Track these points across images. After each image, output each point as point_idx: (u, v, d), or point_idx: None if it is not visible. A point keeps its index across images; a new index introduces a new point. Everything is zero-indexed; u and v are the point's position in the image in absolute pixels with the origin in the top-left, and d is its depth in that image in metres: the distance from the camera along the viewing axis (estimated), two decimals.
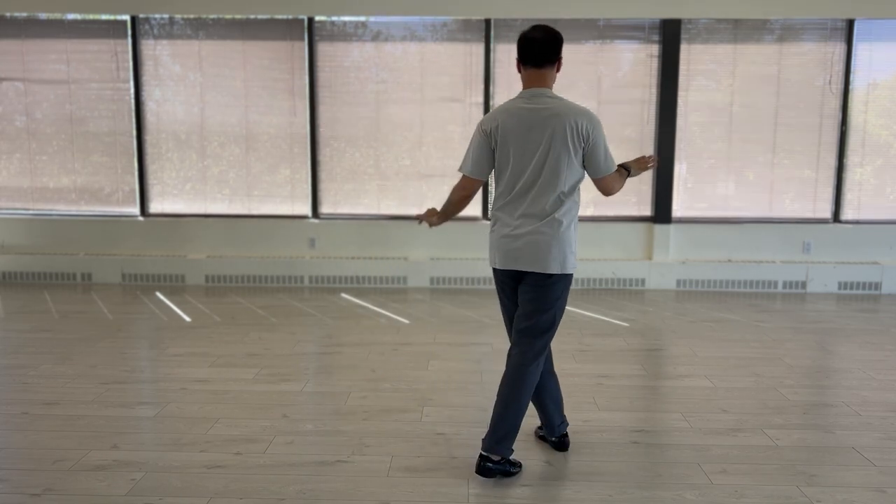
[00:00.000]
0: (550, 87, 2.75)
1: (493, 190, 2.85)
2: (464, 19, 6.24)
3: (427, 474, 2.74)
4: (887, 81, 6.23)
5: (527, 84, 2.75)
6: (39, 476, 2.69)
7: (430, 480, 2.69)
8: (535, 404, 2.93)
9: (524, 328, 2.75)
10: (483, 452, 2.69)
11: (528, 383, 2.72)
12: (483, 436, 2.86)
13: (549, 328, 2.75)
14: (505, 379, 2.74)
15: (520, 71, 2.77)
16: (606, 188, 2.77)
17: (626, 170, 2.87)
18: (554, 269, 2.69)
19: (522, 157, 2.69)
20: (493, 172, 2.83)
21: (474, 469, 2.72)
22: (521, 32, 2.75)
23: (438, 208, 3.03)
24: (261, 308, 5.53)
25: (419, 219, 3.03)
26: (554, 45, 2.70)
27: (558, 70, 2.77)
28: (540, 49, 2.68)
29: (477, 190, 2.87)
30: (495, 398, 2.75)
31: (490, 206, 2.88)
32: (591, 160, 2.70)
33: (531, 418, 3.31)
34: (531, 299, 2.73)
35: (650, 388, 3.75)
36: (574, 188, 2.73)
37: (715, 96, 6.30)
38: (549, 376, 2.91)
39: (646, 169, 2.94)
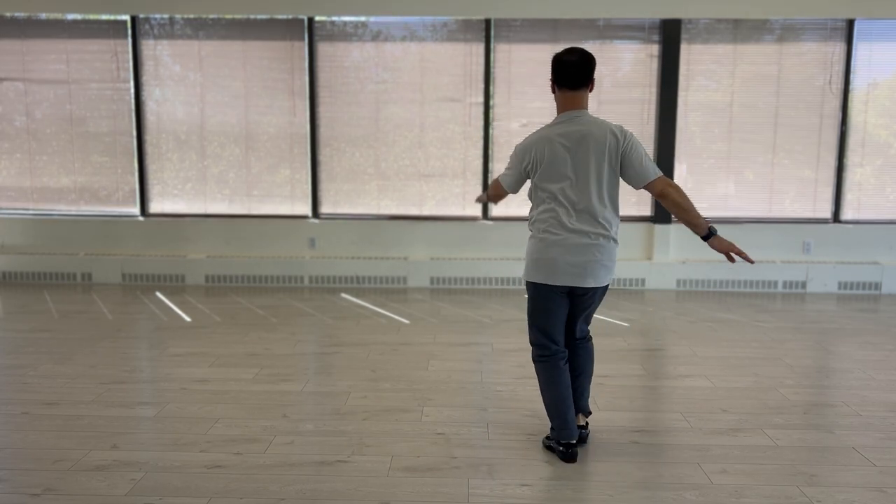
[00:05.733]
0: (586, 108, 2.88)
1: (534, 210, 2.96)
2: (464, 19, 6.24)
3: (427, 474, 2.74)
4: (887, 81, 6.23)
5: (563, 107, 2.88)
6: (39, 476, 2.69)
7: (430, 480, 2.69)
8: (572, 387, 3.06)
9: (586, 322, 3.05)
10: (580, 422, 3.02)
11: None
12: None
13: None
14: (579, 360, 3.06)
15: (554, 92, 2.90)
16: (663, 192, 2.80)
17: (711, 230, 2.86)
18: (604, 282, 2.90)
19: (565, 178, 2.82)
20: (534, 190, 2.95)
21: (575, 442, 2.92)
22: (556, 55, 2.87)
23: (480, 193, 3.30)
24: (261, 308, 5.53)
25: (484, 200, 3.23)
26: (589, 67, 2.83)
27: (591, 90, 2.89)
28: (575, 72, 2.81)
29: (505, 197, 3.13)
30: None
31: (531, 226, 2.97)
32: (628, 170, 2.83)
33: (542, 423, 3.31)
34: (587, 305, 2.95)
35: (650, 388, 3.75)
36: (615, 202, 2.87)
37: (715, 96, 6.30)
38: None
39: (728, 253, 2.84)
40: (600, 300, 2.98)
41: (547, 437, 3.02)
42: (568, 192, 2.82)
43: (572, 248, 2.81)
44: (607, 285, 2.95)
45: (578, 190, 2.82)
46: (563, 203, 2.84)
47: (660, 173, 2.84)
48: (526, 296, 2.98)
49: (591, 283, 2.84)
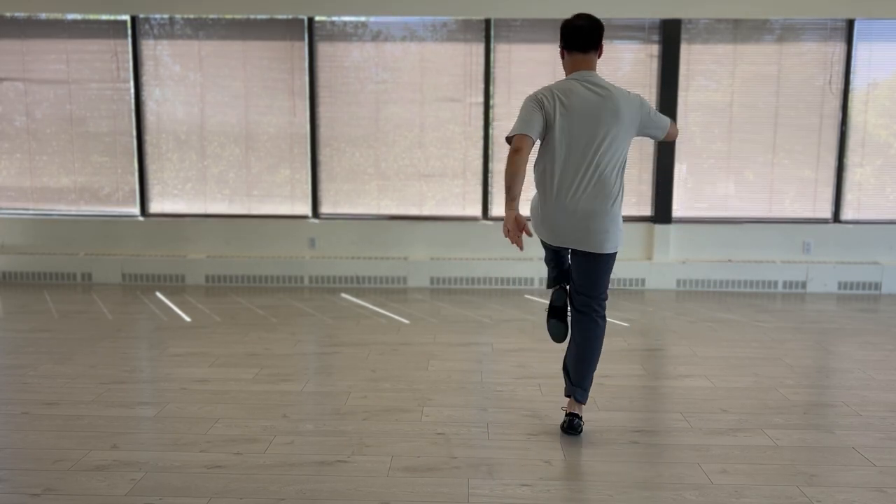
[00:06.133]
0: (595, 71, 2.93)
1: (541, 167, 2.93)
2: (464, 19, 6.24)
3: (427, 474, 2.74)
4: (887, 81, 6.23)
5: (573, 68, 2.92)
6: (39, 476, 2.69)
7: (430, 480, 2.69)
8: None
9: (580, 287, 3.01)
10: (572, 411, 3.05)
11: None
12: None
13: (605, 290, 3.04)
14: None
15: (563, 58, 2.96)
16: (674, 135, 3.11)
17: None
18: (608, 249, 2.91)
19: (583, 137, 2.82)
20: (545, 146, 2.89)
21: (564, 429, 3.05)
22: (565, 21, 2.94)
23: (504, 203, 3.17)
24: (261, 308, 5.53)
25: (518, 241, 2.82)
26: (598, 31, 2.91)
27: (599, 56, 2.95)
28: (587, 34, 2.88)
29: (530, 150, 2.80)
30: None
31: (536, 182, 2.97)
32: (651, 127, 2.96)
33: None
34: (588, 271, 2.95)
35: (650, 388, 3.75)
36: (622, 168, 2.93)
37: (715, 96, 6.30)
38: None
39: None
40: (605, 270, 2.95)
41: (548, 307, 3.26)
42: (584, 150, 2.83)
43: (576, 213, 2.85)
44: (612, 255, 2.94)
45: (591, 152, 2.82)
46: (572, 162, 2.84)
47: (669, 118, 3.04)
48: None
49: (593, 248, 2.88)
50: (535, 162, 2.97)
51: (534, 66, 6.28)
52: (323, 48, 6.34)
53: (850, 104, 6.23)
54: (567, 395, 3.12)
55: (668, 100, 6.21)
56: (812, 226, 6.36)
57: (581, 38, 2.87)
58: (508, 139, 2.84)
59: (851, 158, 6.32)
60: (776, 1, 6.05)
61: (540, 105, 2.83)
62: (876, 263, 6.29)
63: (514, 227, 2.74)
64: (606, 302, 3.04)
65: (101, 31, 6.37)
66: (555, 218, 2.89)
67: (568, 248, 3.02)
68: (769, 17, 6.11)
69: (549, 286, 3.29)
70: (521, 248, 2.82)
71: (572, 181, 2.85)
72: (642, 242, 6.43)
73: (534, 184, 2.99)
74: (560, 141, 2.84)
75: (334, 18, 6.30)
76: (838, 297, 6.08)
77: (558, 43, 2.99)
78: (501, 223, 6.41)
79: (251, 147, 6.49)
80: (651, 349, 4.48)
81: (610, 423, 3.26)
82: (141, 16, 6.31)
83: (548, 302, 3.36)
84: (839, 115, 6.25)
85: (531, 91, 6.16)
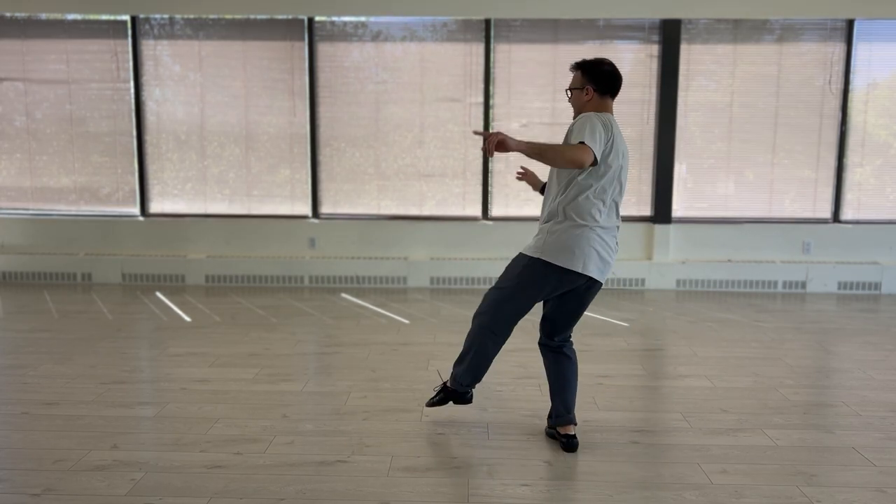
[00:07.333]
0: None
1: (592, 196, 2.81)
2: (464, 19, 6.24)
3: (427, 474, 2.74)
4: (887, 81, 6.23)
5: (602, 111, 2.92)
6: (39, 476, 2.69)
7: (430, 480, 2.69)
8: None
9: (570, 326, 3.03)
10: (567, 433, 2.97)
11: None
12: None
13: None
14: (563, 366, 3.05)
15: (590, 98, 2.91)
16: None
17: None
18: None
19: (623, 176, 2.90)
20: (599, 174, 2.80)
21: (565, 448, 2.93)
22: (600, 66, 2.90)
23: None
24: (261, 308, 5.53)
25: (487, 145, 2.67)
26: None
27: None
28: (620, 83, 2.97)
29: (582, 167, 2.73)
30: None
31: (589, 210, 2.82)
32: None
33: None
34: (582, 304, 2.97)
35: (650, 388, 3.75)
36: None
37: (715, 96, 6.30)
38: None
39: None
40: (588, 302, 3.03)
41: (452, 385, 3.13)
42: (621, 189, 2.92)
43: (608, 246, 2.90)
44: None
45: (623, 192, 2.94)
46: (617, 198, 2.90)
47: None
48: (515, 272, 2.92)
49: (602, 279, 2.93)
50: (586, 189, 2.81)
51: (534, 67, 6.28)
52: (323, 48, 6.34)
53: (849, 104, 6.23)
54: (561, 425, 2.99)
55: (668, 100, 6.21)
56: (812, 226, 6.36)
57: (619, 86, 2.95)
58: (577, 143, 2.69)
59: (851, 158, 6.32)
60: (776, 1, 6.05)
61: (608, 132, 2.77)
62: (876, 263, 6.29)
63: (497, 149, 2.66)
64: None
65: (101, 31, 6.38)
66: (593, 248, 2.84)
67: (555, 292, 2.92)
68: (769, 18, 6.11)
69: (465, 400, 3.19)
70: (491, 155, 2.70)
71: (613, 216, 2.92)
72: (642, 242, 6.43)
73: (569, 209, 2.82)
74: (615, 174, 2.85)
75: (334, 18, 6.30)
76: (838, 297, 6.08)
77: (583, 81, 2.90)
78: (501, 221, 6.42)
79: (251, 147, 6.49)
80: (651, 349, 4.48)
81: (610, 423, 3.26)
82: (141, 16, 6.31)
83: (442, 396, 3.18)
84: (839, 115, 6.25)
85: (531, 91, 6.25)
